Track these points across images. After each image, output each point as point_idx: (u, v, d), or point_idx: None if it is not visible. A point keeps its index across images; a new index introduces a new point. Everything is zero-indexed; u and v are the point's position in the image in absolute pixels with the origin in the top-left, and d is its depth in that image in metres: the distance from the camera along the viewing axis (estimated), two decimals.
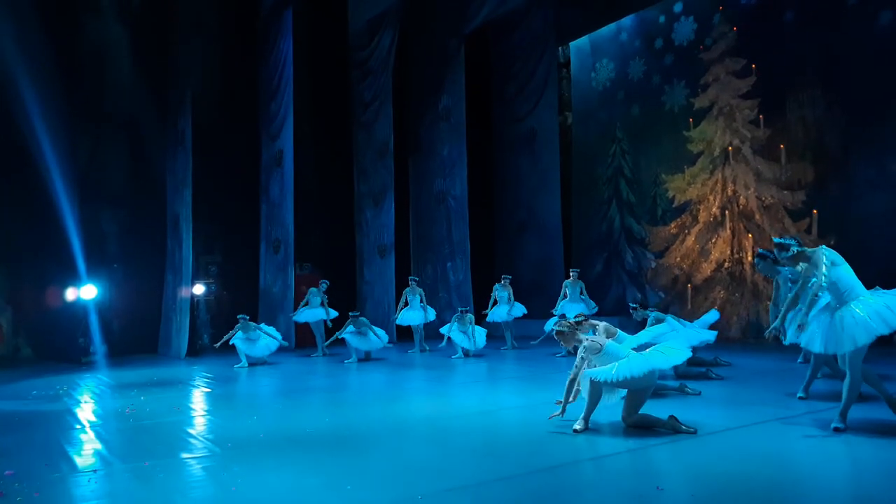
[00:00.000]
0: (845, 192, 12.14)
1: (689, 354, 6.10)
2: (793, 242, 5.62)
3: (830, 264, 5.34)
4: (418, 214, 17.24)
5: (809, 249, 5.57)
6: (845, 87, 12.00)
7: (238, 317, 11.93)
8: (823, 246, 5.61)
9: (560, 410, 6.06)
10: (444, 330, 12.27)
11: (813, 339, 5.56)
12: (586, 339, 6.00)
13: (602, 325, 7.55)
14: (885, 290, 5.48)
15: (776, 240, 5.73)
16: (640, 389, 5.76)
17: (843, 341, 5.26)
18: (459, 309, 12.52)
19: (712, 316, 10.14)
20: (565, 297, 12.66)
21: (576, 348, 6.03)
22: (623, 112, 16.30)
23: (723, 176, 13.51)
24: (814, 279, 5.37)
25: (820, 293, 5.43)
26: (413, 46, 17.20)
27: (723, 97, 13.50)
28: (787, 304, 5.87)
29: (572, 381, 5.99)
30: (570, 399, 6.03)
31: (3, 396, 8.96)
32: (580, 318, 7.05)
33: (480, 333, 12.16)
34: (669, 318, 9.04)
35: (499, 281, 13.45)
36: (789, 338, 6.12)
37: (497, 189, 18.42)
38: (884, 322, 5.15)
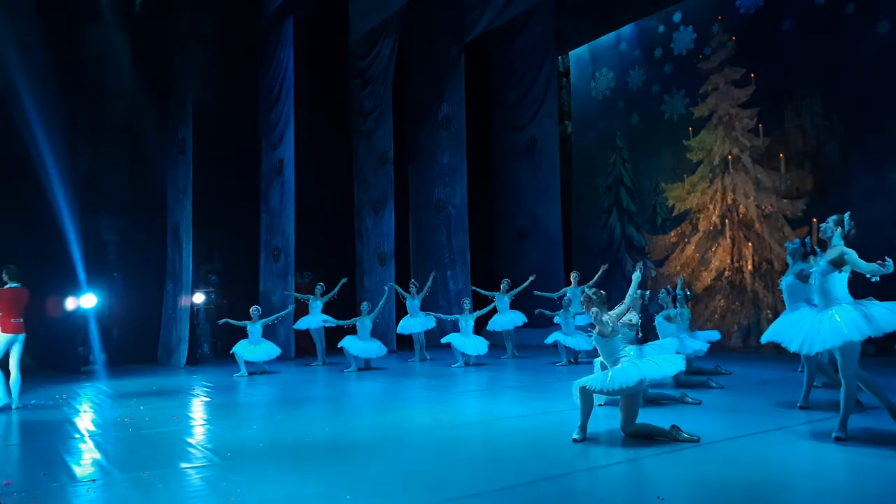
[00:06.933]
0: (844, 201, 12.09)
1: (683, 367, 6.07)
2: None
3: (838, 265, 5.68)
4: (418, 223, 17.26)
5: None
6: (844, 95, 12.02)
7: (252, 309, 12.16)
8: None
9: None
10: (447, 339, 12.36)
11: (792, 338, 5.92)
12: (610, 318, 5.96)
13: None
14: (878, 302, 5.51)
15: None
16: (631, 395, 5.79)
17: (815, 342, 5.59)
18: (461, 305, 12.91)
19: (713, 335, 10.26)
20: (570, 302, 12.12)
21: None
22: (623, 121, 16.32)
23: (722, 185, 13.54)
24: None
25: (813, 281, 5.80)
26: (413, 55, 17.24)
27: (722, 106, 13.55)
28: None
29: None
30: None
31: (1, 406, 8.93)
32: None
33: (481, 342, 12.19)
34: (672, 326, 9.05)
35: (498, 289, 13.41)
36: None
37: (497, 197, 18.43)
38: (857, 329, 5.32)
